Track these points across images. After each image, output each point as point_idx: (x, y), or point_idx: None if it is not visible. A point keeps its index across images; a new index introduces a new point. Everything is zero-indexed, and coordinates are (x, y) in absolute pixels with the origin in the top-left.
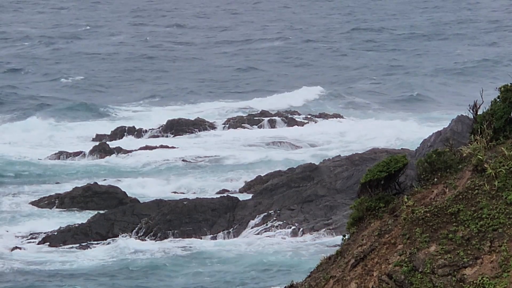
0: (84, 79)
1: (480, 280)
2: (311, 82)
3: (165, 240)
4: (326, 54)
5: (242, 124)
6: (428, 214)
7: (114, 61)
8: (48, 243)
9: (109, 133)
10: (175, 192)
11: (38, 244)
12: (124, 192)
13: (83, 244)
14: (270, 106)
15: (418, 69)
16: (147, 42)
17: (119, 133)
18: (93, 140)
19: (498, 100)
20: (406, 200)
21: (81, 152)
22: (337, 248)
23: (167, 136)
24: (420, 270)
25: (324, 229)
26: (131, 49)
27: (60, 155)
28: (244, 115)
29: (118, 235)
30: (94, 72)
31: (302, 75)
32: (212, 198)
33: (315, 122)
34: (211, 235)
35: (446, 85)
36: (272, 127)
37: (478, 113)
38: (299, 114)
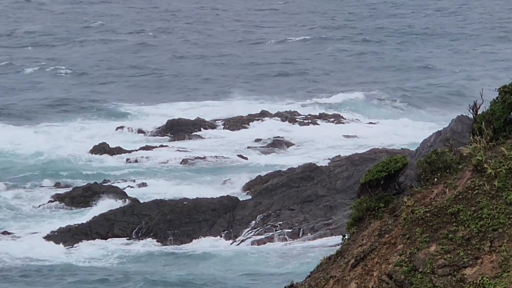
0: (100, 76)
1: (480, 280)
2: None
3: (164, 241)
4: (367, 55)
5: (242, 125)
6: (428, 214)
7: (138, 57)
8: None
9: (111, 132)
10: (175, 192)
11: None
12: (124, 192)
13: (82, 243)
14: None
15: (463, 71)
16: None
17: (119, 133)
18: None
19: (498, 100)
20: (406, 200)
21: (81, 151)
22: (337, 248)
23: (167, 136)
24: (420, 270)
25: (324, 229)
26: (162, 46)
27: (60, 154)
28: (244, 115)
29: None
30: (113, 69)
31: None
32: (212, 198)
33: (315, 123)
34: (211, 235)
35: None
36: (272, 127)
37: (478, 113)
38: (299, 114)
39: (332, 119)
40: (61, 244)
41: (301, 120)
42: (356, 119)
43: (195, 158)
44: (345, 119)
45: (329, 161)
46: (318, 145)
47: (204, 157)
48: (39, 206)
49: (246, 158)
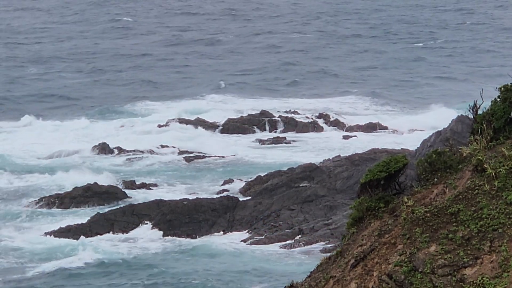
0: (127, 74)
1: (480, 280)
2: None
3: (164, 238)
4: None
5: (243, 125)
6: (428, 214)
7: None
8: None
9: (111, 131)
10: (175, 192)
11: None
12: (124, 192)
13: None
14: None
15: None
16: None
17: (119, 132)
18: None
19: (498, 100)
20: (406, 200)
21: (81, 151)
22: (337, 248)
23: (168, 136)
24: (420, 270)
25: (324, 229)
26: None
27: (59, 154)
28: (244, 115)
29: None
30: (140, 68)
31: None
32: (212, 198)
33: (315, 123)
34: (211, 235)
35: None
36: (272, 128)
37: (478, 113)
38: (299, 114)
39: (332, 119)
40: (60, 241)
41: (301, 120)
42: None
43: (195, 158)
44: (345, 119)
45: (329, 161)
46: (318, 145)
47: (204, 157)
48: (39, 206)
49: (245, 158)
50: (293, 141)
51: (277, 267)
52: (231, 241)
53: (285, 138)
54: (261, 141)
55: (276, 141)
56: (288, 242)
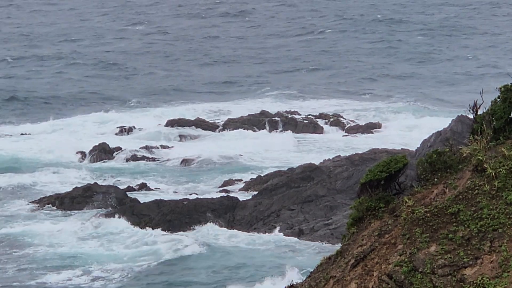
0: (143, 75)
1: (480, 280)
2: None
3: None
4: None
5: (243, 125)
6: (428, 214)
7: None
8: None
9: (111, 131)
10: (175, 192)
11: None
12: (124, 192)
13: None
14: None
15: None
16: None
17: (119, 132)
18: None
19: (498, 100)
20: (406, 200)
21: (80, 152)
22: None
23: (169, 135)
24: (420, 270)
25: (324, 229)
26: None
27: (59, 154)
28: (244, 115)
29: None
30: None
31: None
32: (212, 198)
33: (315, 123)
34: (211, 235)
35: None
36: (272, 128)
37: (478, 113)
38: (299, 114)
39: (332, 119)
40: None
41: (301, 120)
42: (356, 119)
43: (195, 158)
44: (344, 119)
45: (329, 161)
46: (318, 145)
47: (204, 157)
48: (39, 206)
49: (245, 158)
50: (293, 139)
51: (276, 266)
52: (229, 241)
53: (285, 137)
54: (261, 141)
55: (276, 140)
56: (288, 242)
